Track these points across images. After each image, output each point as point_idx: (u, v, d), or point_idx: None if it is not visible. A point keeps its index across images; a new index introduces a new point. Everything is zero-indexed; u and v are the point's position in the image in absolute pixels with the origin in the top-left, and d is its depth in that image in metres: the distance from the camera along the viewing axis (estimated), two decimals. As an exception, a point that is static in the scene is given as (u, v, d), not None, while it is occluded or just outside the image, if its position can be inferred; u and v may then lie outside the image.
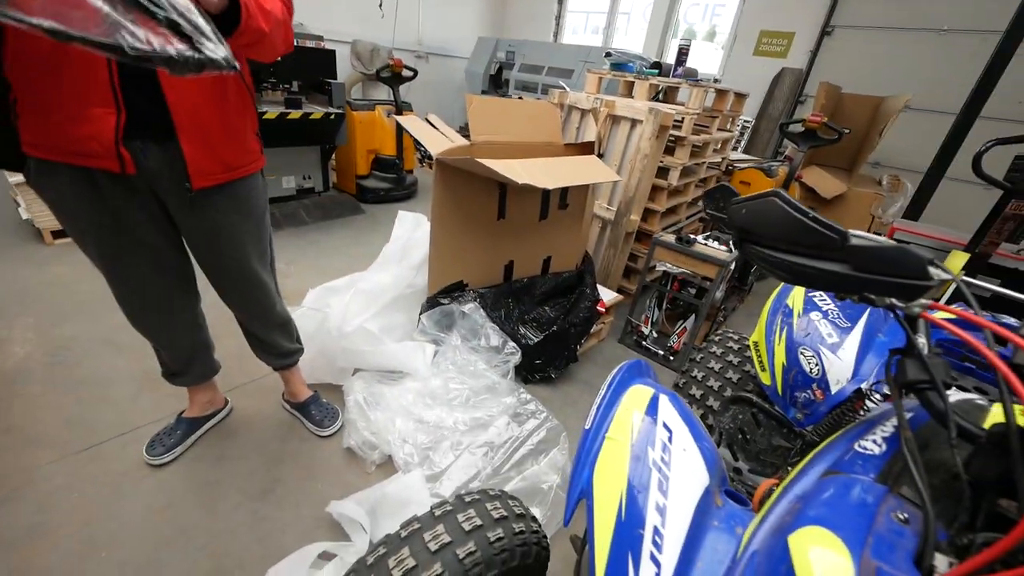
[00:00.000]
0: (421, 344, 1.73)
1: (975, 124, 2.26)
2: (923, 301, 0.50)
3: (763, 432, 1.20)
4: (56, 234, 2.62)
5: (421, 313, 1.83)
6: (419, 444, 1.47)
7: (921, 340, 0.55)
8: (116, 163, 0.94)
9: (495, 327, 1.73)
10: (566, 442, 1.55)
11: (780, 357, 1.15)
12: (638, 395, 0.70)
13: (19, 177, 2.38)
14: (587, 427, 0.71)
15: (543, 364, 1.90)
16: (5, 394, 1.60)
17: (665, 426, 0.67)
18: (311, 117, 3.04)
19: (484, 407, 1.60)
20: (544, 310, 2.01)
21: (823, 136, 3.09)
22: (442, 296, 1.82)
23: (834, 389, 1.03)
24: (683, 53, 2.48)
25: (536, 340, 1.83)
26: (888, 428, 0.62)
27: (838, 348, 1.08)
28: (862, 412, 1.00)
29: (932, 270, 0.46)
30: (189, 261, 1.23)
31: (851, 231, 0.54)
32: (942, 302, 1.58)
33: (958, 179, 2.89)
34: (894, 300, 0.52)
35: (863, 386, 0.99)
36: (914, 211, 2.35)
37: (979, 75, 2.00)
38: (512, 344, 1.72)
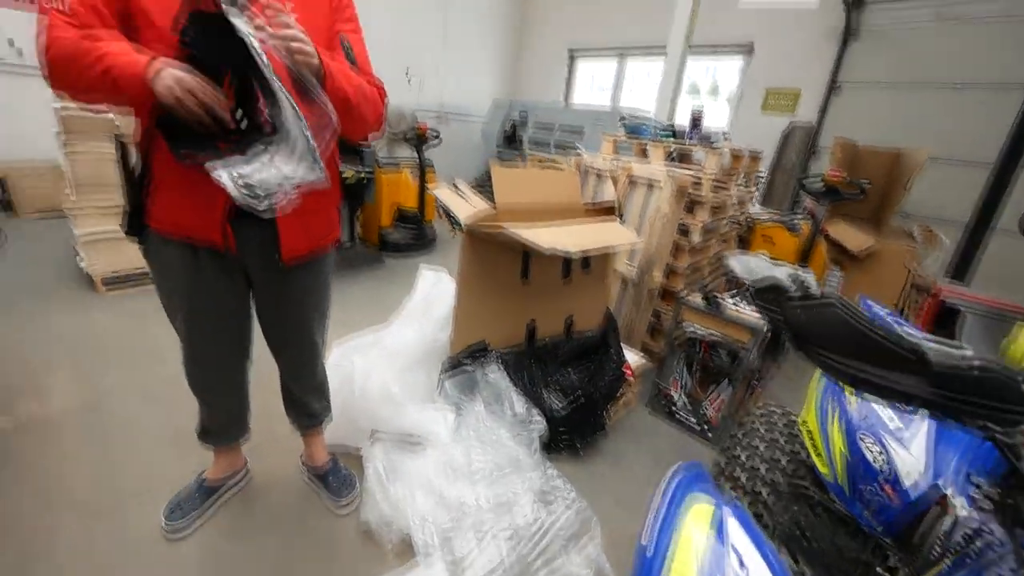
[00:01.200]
0: (443, 410, 1.67)
1: (1015, 175, 2.20)
2: None
3: (825, 531, 1.07)
4: (107, 284, 2.80)
5: (443, 375, 1.78)
6: (439, 525, 1.37)
7: None
8: (220, 241, 1.06)
9: (519, 393, 1.66)
10: (598, 529, 1.42)
11: (838, 444, 1.04)
12: (701, 513, 0.62)
13: (85, 230, 2.66)
14: (643, 543, 0.63)
15: (569, 434, 1.80)
16: (41, 447, 1.62)
17: (734, 550, 0.58)
18: (346, 179, 3.20)
19: (508, 483, 1.50)
20: (568, 373, 1.94)
21: (845, 192, 3.06)
22: (465, 356, 1.78)
23: (907, 484, 0.91)
24: (697, 119, 2.53)
25: (561, 407, 1.74)
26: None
27: (905, 437, 0.97)
28: (948, 516, 0.87)
29: None
30: (251, 323, 1.29)
31: (926, 340, 0.48)
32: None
33: (1010, 230, 2.77)
34: (988, 423, 0.46)
35: (941, 484, 0.88)
36: (961, 270, 2.24)
37: (1010, 128, 1.97)
38: (537, 413, 1.64)
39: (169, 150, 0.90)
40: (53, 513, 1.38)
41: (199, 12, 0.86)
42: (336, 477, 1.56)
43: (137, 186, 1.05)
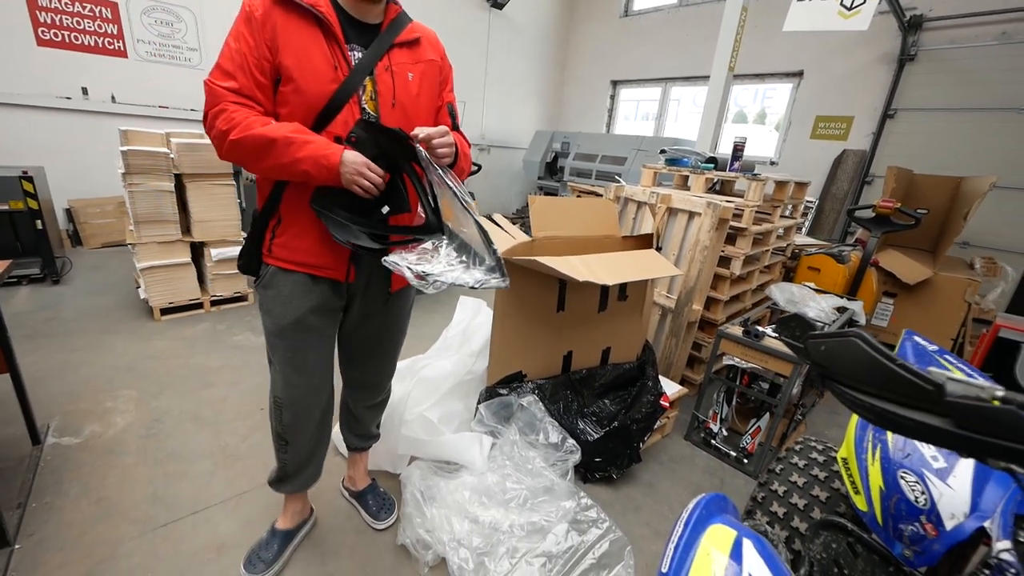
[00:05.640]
0: (478, 436, 1.73)
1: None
2: None
3: (862, 567, 1.05)
4: (164, 312, 3.02)
5: (479, 403, 1.84)
6: (474, 548, 1.41)
7: None
8: (343, 274, 1.17)
9: (554, 422, 1.70)
10: (631, 558, 1.42)
11: (876, 480, 1.02)
12: (719, 537, 0.65)
13: (146, 263, 2.88)
14: (663, 570, 0.67)
15: (604, 463, 1.81)
16: (104, 463, 1.76)
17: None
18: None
19: (542, 510, 1.53)
20: (604, 403, 1.96)
21: (897, 222, 2.95)
22: (501, 386, 1.84)
23: (949, 525, 0.89)
24: (738, 149, 2.55)
25: (596, 437, 1.77)
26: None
27: (947, 474, 0.95)
28: (991, 558, 0.85)
29: None
30: (334, 357, 1.36)
31: (950, 376, 0.48)
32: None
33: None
34: (1011, 465, 0.45)
35: (987, 525, 0.86)
36: (1020, 300, 2.11)
37: None
38: (571, 441, 1.67)
39: (329, 230, 1.06)
40: (115, 526, 1.49)
41: (372, 122, 1.07)
42: (375, 498, 1.62)
43: (262, 226, 1.15)
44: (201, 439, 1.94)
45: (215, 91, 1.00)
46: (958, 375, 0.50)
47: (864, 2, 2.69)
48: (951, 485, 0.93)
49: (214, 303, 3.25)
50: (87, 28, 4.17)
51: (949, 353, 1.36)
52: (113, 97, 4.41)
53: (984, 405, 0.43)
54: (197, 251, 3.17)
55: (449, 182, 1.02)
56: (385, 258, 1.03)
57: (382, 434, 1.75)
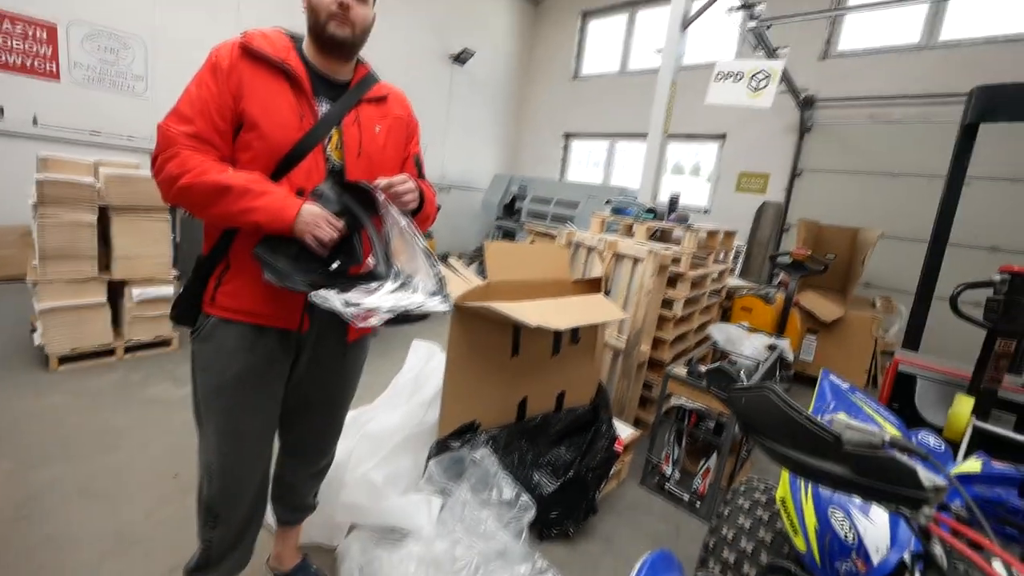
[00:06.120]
0: (427, 497, 1.59)
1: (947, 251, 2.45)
2: (928, 512, 0.48)
3: (806, 607, 1.08)
4: (63, 360, 2.65)
5: (429, 458, 1.75)
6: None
7: (938, 550, 0.52)
8: (296, 323, 1.09)
9: (508, 476, 1.64)
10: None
11: (811, 518, 1.08)
12: None
13: (48, 303, 2.55)
14: None
15: (560, 517, 1.77)
16: None
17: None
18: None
19: (496, 577, 1.44)
20: (560, 451, 1.93)
21: (810, 267, 3.29)
22: (453, 438, 1.77)
23: (876, 559, 0.94)
24: (674, 202, 2.77)
25: (552, 489, 1.73)
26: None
27: (868, 508, 1.02)
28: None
29: (924, 477, 0.44)
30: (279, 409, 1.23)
31: (849, 423, 0.52)
32: (964, 441, 1.53)
33: (946, 298, 3.05)
34: (899, 506, 0.50)
35: (905, 557, 0.92)
36: (912, 337, 2.40)
37: (935, 213, 2.26)
38: (526, 497, 1.61)
39: (265, 275, 0.96)
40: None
41: (341, 178, 1.07)
42: None
43: (207, 272, 1.07)
44: (91, 518, 1.63)
45: (169, 135, 0.98)
46: (855, 422, 0.55)
47: (767, 85, 3.14)
48: (872, 519, 0.99)
49: (129, 349, 2.90)
50: (15, 47, 3.89)
51: (860, 391, 1.50)
52: (35, 119, 4.05)
53: (871, 453, 0.47)
54: (115, 290, 2.85)
55: (402, 222, 1.03)
56: (314, 292, 0.94)
57: (319, 500, 1.60)
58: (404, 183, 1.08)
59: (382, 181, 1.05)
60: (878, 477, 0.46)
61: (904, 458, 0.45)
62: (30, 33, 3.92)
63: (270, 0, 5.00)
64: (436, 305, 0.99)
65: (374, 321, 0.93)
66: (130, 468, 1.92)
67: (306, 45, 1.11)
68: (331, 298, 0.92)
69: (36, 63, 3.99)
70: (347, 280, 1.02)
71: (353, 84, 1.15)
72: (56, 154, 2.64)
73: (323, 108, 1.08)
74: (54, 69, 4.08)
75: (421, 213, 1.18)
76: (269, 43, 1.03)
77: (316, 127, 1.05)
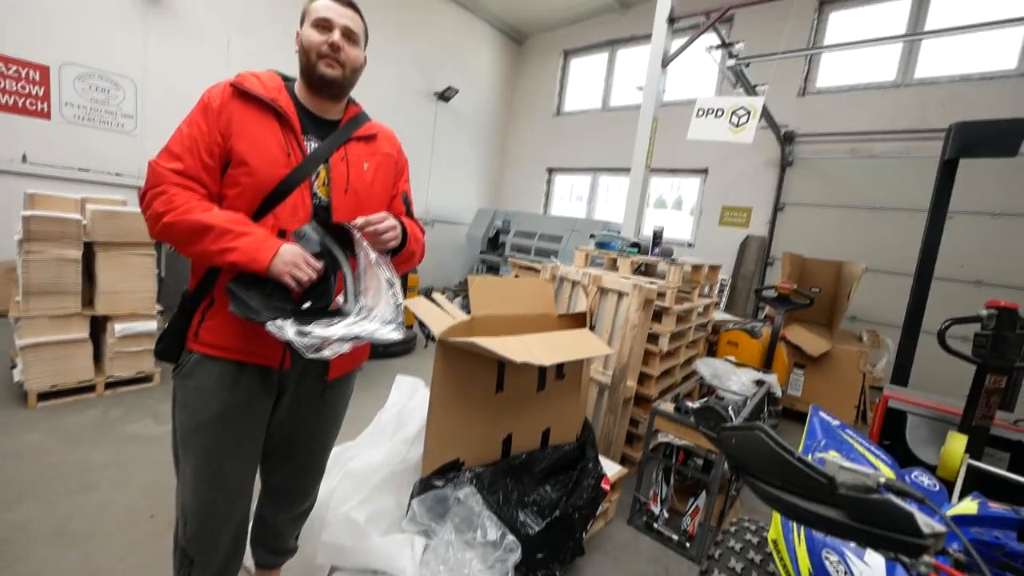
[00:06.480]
0: (410, 537, 1.57)
1: (931, 286, 2.50)
2: (928, 560, 0.45)
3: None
4: (42, 397, 2.59)
5: (413, 496, 1.70)
6: None
7: None
8: (278, 360, 1.09)
9: (492, 516, 1.60)
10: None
11: (804, 562, 1.06)
12: None
13: (30, 339, 2.54)
14: None
15: (546, 559, 1.71)
16: None
17: None
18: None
19: (479, 623, 1.38)
20: (545, 490, 1.88)
21: (796, 300, 3.34)
22: (436, 477, 1.73)
23: None
24: (658, 236, 2.83)
25: (538, 529, 1.68)
26: None
27: (863, 552, 1.00)
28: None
29: (923, 522, 0.43)
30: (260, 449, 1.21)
31: (842, 465, 0.51)
32: (959, 481, 1.52)
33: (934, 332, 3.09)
34: (897, 552, 0.48)
35: None
36: (901, 373, 2.41)
37: (919, 247, 2.30)
38: (511, 538, 1.57)
39: (231, 306, 0.97)
40: None
41: (323, 218, 1.10)
42: None
43: (191, 307, 1.08)
44: (64, 561, 1.59)
45: (158, 172, 1.01)
46: (848, 463, 0.54)
47: (748, 121, 3.26)
48: (868, 563, 0.98)
49: (110, 385, 2.85)
50: (8, 88, 4.00)
51: (850, 428, 1.50)
52: (24, 156, 4.12)
53: (867, 497, 0.46)
54: (97, 326, 2.83)
55: (371, 257, 1.06)
56: (271, 322, 0.95)
57: (300, 542, 1.55)
58: (383, 221, 1.09)
59: (359, 220, 1.07)
60: (874, 522, 0.45)
61: (900, 502, 0.44)
62: (23, 74, 4.04)
63: (259, 39, 5.22)
64: (388, 333, 0.99)
65: (328, 353, 0.94)
66: (106, 508, 1.87)
67: (298, 86, 1.15)
68: (286, 327, 0.93)
69: (28, 103, 4.10)
70: (313, 316, 1.03)
71: (343, 123, 1.18)
72: (43, 191, 2.65)
73: (312, 146, 1.12)
74: (46, 109, 4.17)
75: (406, 250, 1.19)
76: (260, 83, 1.08)
77: (303, 163, 1.08)
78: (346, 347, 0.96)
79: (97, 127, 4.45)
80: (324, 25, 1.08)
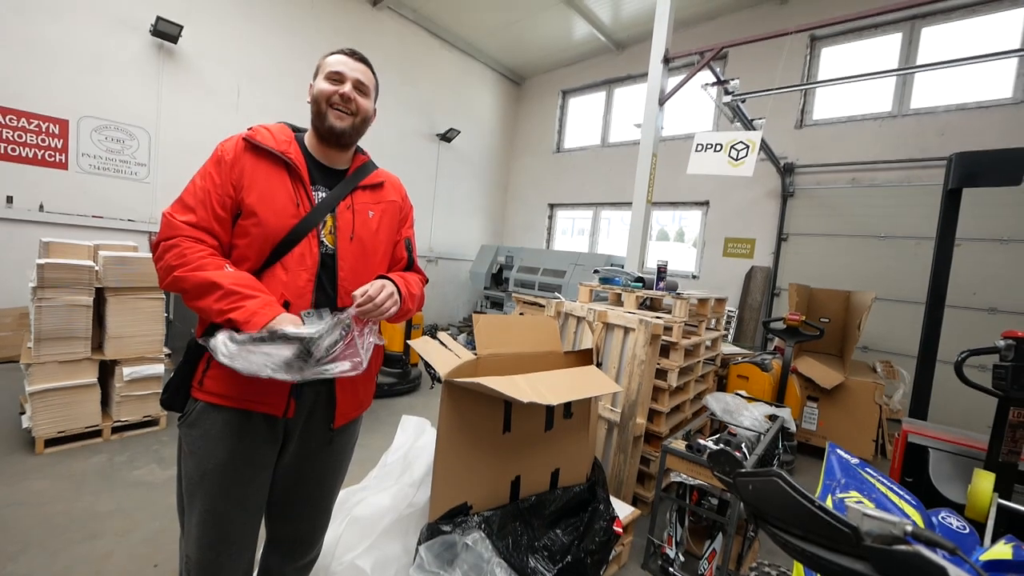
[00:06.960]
0: None
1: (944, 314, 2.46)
2: None
3: None
4: (49, 443, 2.60)
5: (420, 543, 1.65)
6: None
7: None
8: (281, 408, 1.09)
9: (502, 563, 1.55)
10: None
11: None
12: None
13: (39, 385, 2.58)
14: None
15: (558, 610, 1.63)
16: None
17: None
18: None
19: None
20: (556, 534, 1.82)
21: (805, 332, 3.30)
22: (444, 522, 1.68)
23: None
24: (662, 270, 2.85)
25: (549, 575, 1.61)
26: None
27: None
28: None
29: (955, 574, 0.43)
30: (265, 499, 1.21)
31: (866, 512, 0.49)
32: (990, 521, 1.45)
33: (950, 362, 3.02)
34: None
35: None
36: (919, 406, 2.35)
37: (928, 275, 2.28)
38: (522, 587, 1.51)
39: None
40: None
41: (330, 304, 1.12)
42: None
43: (196, 356, 1.09)
44: None
45: (171, 223, 1.04)
46: (871, 507, 0.52)
47: (747, 154, 3.33)
48: None
49: (116, 429, 2.85)
50: (28, 142, 4.20)
51: (869, 466, 1.45)
52: (41, 206, 4.29)
53: (895, 549, 0.44)
54: (106, 370, 2.86)
55: (364, 331, 1.08)
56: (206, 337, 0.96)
57: (302, 593, 1.50)
58: (381, 291, 1.09)
59: (358, 293, 1.07)
60: (901, 575, 0.43)
61: (930, 554, 0.42)
62: (44, 128, 4.26)
63: (268, 89, 5.47)
64: (304, 332, 0.97)
65: (256, 360, 0.92)
66: (110, 557, 1.84)
67: (308, 136, 1.21)
68: (217, 336, 0.95)
69: (47, 155, 4.30)
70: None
71: (351, 172, 1.23)
72: (59, 239, 2.74)
73: (320, 195, 1.16)
74: (63, 160, 4.38)
75: (401, 310, 1.18)
76: (271, 136, 1.13)
77: (311, 213, 1.12)
78: (263, 336, 0.95)
79: (111, 176, 4.64)
80: (336, 78, 1.14)
